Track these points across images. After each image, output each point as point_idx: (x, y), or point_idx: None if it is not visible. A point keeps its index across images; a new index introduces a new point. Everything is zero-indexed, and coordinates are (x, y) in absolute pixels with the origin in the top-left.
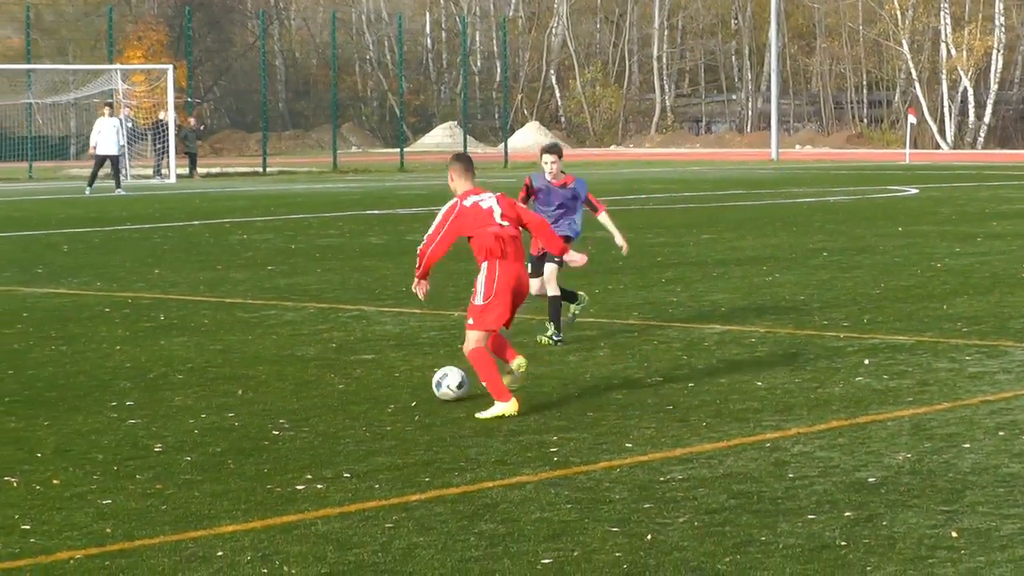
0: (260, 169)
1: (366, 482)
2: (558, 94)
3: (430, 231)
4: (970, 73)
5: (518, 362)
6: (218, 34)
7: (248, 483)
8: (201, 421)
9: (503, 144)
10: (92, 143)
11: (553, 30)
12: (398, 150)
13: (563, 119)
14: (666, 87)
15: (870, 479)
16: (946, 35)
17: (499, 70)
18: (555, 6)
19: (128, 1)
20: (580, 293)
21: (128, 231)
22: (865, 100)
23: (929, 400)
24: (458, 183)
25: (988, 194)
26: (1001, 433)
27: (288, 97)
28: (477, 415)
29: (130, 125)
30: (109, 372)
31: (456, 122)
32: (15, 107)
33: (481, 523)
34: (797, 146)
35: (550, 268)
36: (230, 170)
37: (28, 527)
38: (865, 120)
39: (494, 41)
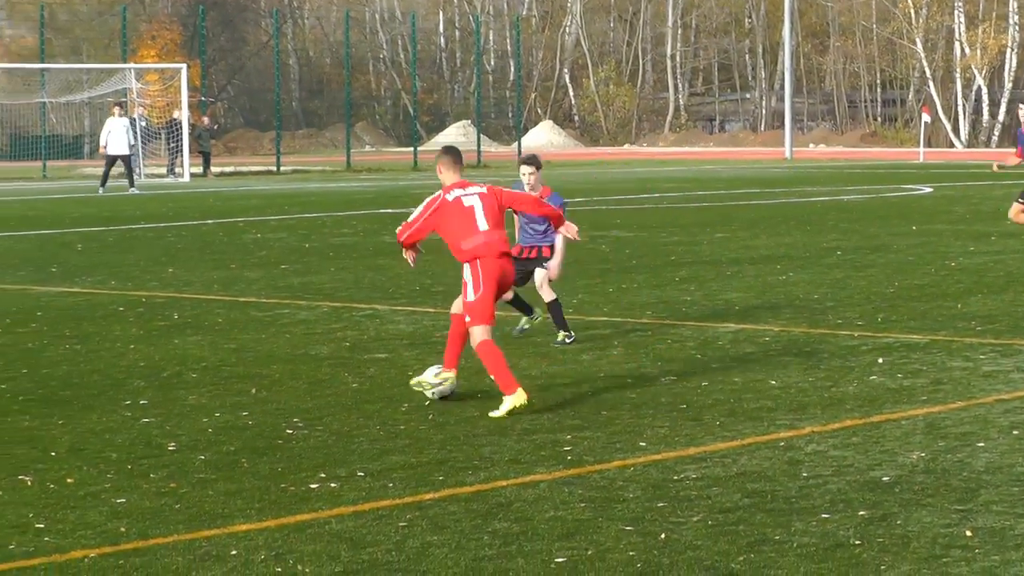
0: (274, 168)
1: (380, 481)
2: (571, 93)
3: (410, 219)
4: (984, 72)
5: (450, 375)
6: (232, 33)
7: (262, 482)
8: (215, 420)
9: (517, 143)
10: (102, 143)
11: (567, 29)
12: (412, 149)
13: (576, 118)
14: (679, 86)
15: (884, 478)
16: (960, 34)
17: (513, 69)
18: (568, 5)
19: (142, 0)
20: (536, 309)
21: (142, 230)
22: (879, 99)
23: (943, 399)
24: (446, 175)
25: (1002, 193)
26: (1015, 432)
27: (302, 96)
28: (490, 414)
29: (144, 124)
30: (123, 371)
31: (470, 121)
32: (29, 106)
33: (495, 522)
34: (811, 145)
35: (540, 274)
36: (244, 169)
37: (42, 526)
38: (879, 119)
39: (508, 40)
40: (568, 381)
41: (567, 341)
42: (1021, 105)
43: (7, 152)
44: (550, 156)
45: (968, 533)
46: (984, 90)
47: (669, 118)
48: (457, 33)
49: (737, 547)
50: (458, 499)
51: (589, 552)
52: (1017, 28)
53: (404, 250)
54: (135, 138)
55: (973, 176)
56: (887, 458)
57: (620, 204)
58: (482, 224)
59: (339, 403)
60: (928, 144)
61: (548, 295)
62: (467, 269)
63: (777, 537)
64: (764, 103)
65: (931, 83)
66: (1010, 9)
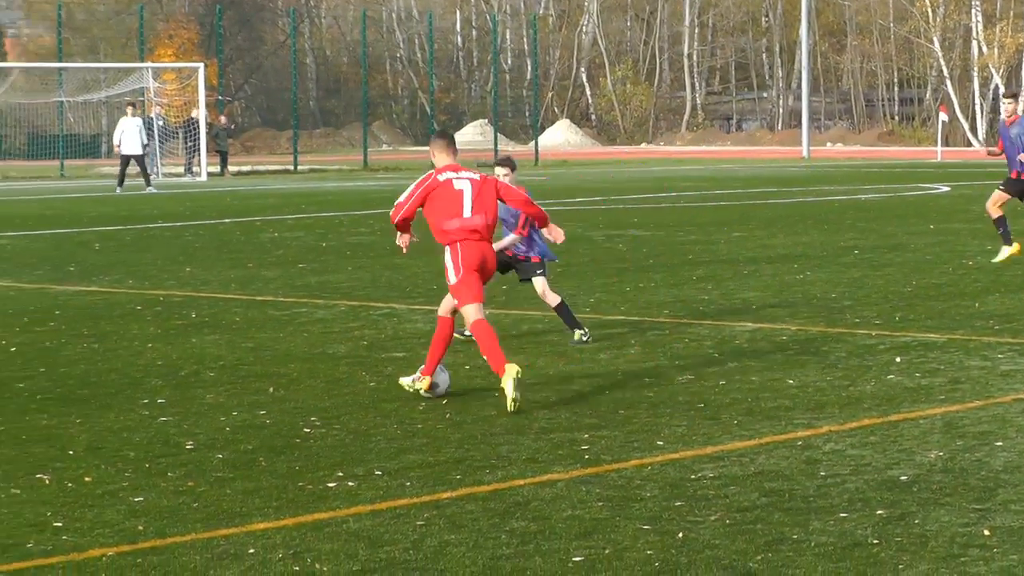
0: (291, 167)
1: (397, 480)
2: (588, 92)
3: (400, 199)
4: (1001, 70)
5: (424, 383)
6: (249, 32)
7: (280, 481)
8: (232, 419)
9: (534, 142)
10: (116, 142)
11: (583, 28)
12: (428, 148)
13: (593, 117)
14: (697, 85)
15: (902, 477)
16: (977, 32)
17: (529, 68)
18: (585, 4)
19: None
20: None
21: (159, 229)
22: (896, 98)
23: (961, 398)
24: (439, 158)
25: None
26: None
27: (319, 95)
28: (508, 409)
29: (161, 123)
30: (141, 370)
31: (487, 120)
32: (47, 105)
33: (512, 521)
34: (828, 144)
35: (539, 282)
36: (261, 168)
37: (60, 524)
38: (896, 118)
39: (524, 39)
40: (585, 380)
41: (584, 339)
42: (1005, 100)
43: (25, 151)
44: (567, 155)
45: (986, 532)
46: (1002, 89)
47: (686, 117)
48: (474, 32)
49: (755, 546)
50: (475, 498)
51: (607, 551)
52: None
53: (398, 235)
54: (149, 137)
55: (991, 175)
56: (905, 457)
57: (637, 203)
58: (467, 210)
59: (356, 402)
60: (945, 143)
61: (553, 299)
62: (447, 253)
63: (795, 536)
64: (781, 102)
65: (948, 82)
66: None
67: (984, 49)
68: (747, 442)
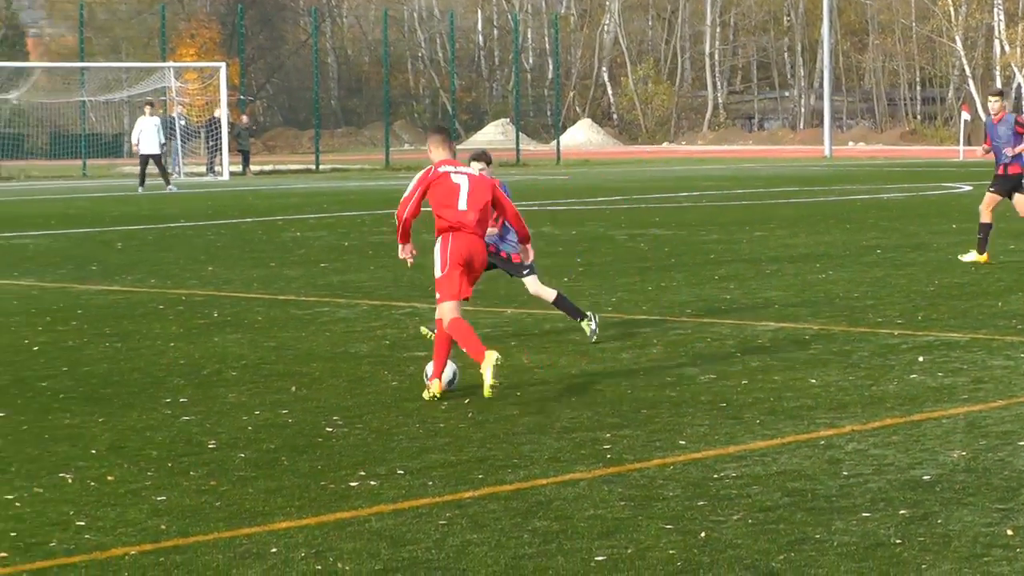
0: (313, 166)
1: (419, 479)
2: (610, 91)
3: (405, 195)
4: None
5: (434, 385)
6: (270, 32)
7: (302, 480)
8: (255, 418)
9: (555, 141)
10: (134, 141)
11: (605, 27)
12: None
13: (615, 116)
14: (718, 84)
15: (925, 477)
16: (1000, 31)
17: (551, 67)
18: (607, 3)
19: None
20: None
21: (181, 228)
22: (918, 97)
23: (984, 398)
24: (435, 153)
25: None
26: None
27: (340, 94)
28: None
29: (183, 123)
30: (163, 369)
31: (508, 119)
32: (69, 105)
33: (534, 520)
34: (850, 143)
35: (529, 282)
36: (283, 167)
37: (83, 523)
38: (918, 117)
39: (546, 38)
40: (607, 379)
41: (593, 326)
42: (991, 97)
43: (47, 150)
44: (589, 154)
45: (1009, 532)
46: None
47: (708, 116)
48: (495, 31)
49: (777, 546)
50: (498, 497)
51: (629, 551)
52: None
53: (401, 246)
54: (170, 137)
55: None
56: (928, 457)
57: (659, 202)
58: (462, 204)
59: (379, 401)
60: (968, 142)
61: (548, 294)
62: (437, 244)
63: (817, 536)
64: (803, 101)
65: (971, 81)
66: None
67: (1006, 48)
68: (769, 441)
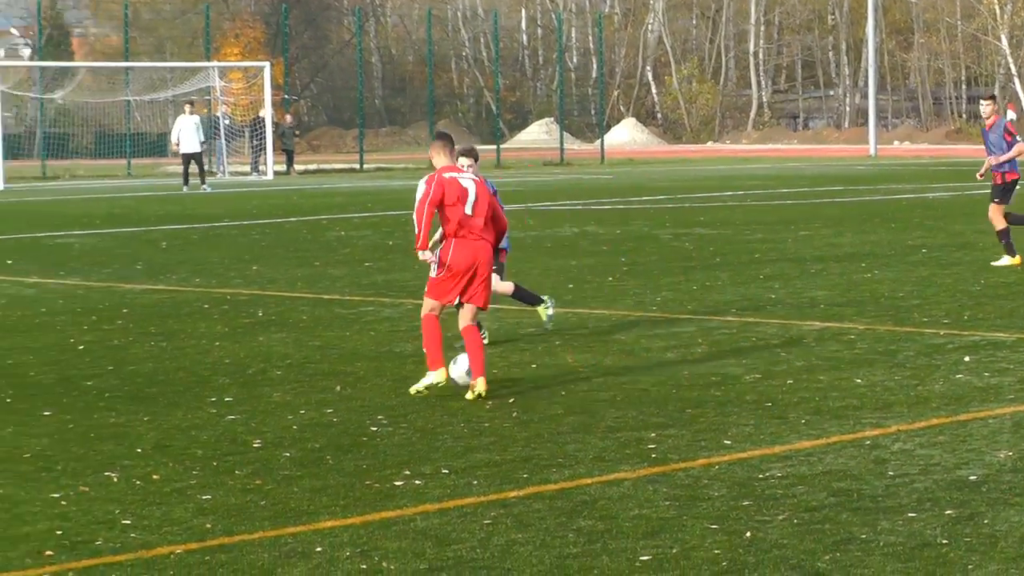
0: (357, 166)
1: (464, 478)
2: (654, 90)
3: (417, 202)
4: None
5: (479, 384)
6: (314, 31)
7: (347, 479)
8: (300, 417)
9: (599, 140)
10: (174, 141)
11: (649, 26)
12: (494, 147)
13: (659, 115)
14: (763, 83)
15: (971, 477)
16: None
17: (595, 66)
18: (651, 2)
19: None
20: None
21: (226, 228)
22: (964, 96)
23: None
24: (438, 159)
25: None
26: None
27: (384, 94)
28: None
29: (227, 122)
30: (208, 368)
31: (552, 118)
32: (114, 104)
33: (579, 520)
34: (895, 142)
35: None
36: (327, 167)
37: (129, 522)
38: (964, 116)
39: (590, 37)
40: (652, 379)
41: (550, 312)
42: (983, 102)
43: (92, 150)
44: (633, 154)
45: None
46: None
47: (752, 115)
48: (539, 30)
49: (823, 546)
50: (542, 497)
51: (674, 550)
52: None
53: (419, 254)
54: (214, 136)
55: None
56: (974, 457)
57: (703, 202)
58: (468, 209)
59: (423, 400)
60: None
61: (505, 288)
62: (440, 247)
63: (863, 536)
64: (848, 100)
65: (1016, 80)
66: None
67: None
68: (815, 441)
